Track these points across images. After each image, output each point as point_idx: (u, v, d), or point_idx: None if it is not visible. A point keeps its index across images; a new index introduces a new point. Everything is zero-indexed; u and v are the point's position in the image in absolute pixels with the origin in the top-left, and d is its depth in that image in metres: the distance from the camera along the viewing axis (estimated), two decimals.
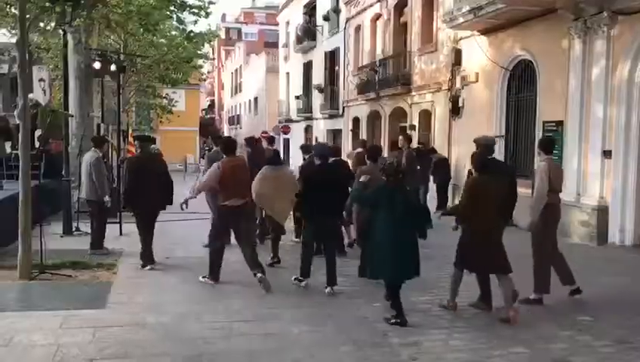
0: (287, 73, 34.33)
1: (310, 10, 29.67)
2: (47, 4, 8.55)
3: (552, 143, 7.31)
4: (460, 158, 14.88)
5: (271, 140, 11.73)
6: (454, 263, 6.30)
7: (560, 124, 11.28)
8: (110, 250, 8.94)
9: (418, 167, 12.52)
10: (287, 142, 33.64)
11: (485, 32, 13.64)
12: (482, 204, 5.91)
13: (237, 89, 53.41)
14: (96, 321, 5.56)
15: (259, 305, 6.27)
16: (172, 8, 13.64)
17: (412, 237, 5.87)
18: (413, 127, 17.84)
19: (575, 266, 8.54)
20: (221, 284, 7.17)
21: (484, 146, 6.74)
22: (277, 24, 40.39)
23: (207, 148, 15.53)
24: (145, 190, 7.88)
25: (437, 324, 5.77)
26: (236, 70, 53.81)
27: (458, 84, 15.00)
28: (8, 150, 12.61)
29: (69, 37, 11.86)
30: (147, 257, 8.00)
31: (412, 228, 5.89)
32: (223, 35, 61.94)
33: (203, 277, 7.29)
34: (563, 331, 5.60)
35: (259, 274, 6.89)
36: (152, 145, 11.37)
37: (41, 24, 11.38)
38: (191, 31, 18.10)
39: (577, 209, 10.57)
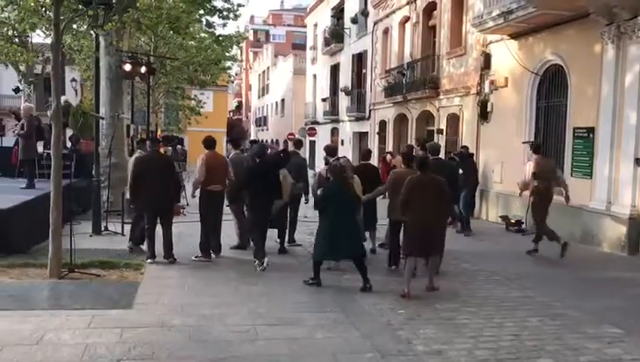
0: (314, 75, 34.40)
1: (338, 12, 29.68)
2: (81, 6, 8.72)
3: (539, 146, 10.65)
4: (488, 163, 14.72)
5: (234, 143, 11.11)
6: (404, 254, 7.46)
7: (591, 130, 11.07)
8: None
9: (460, 171, 11.66)
10: (313, 144, 33.71)
11: (515, 35, 13.47)
12: (417, 197, 6.98)
13: (264, 90, 53.73)
14: (123, 322, 5.63)
15: (283, 309, 6.29)
16: (201, 12, 13.73)
17: (351, 223, 7.22)
18: (440, 131, 17.71)
19: (604, 276, 8.44)
20: (246, 286, 7.21)
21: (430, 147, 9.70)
22: (305, 26, 40.50)
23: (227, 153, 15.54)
24: (146, 188, 8.37)
25: (462, 333, 5.70)
26: (264, 72, 54.16)
27: (487, 89, 14.82)
28: (40, 149, 12.85)
29: (101, 39, 12.04)
30: (150, 250, 8.50)
31: (353, 216, 7.30)
32: (251, 37, 62.47)
33: (196, 256, 8.67)
34: (591, 343, 5.48)
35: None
36: (179, 146, 11.56)
37: (74, 26, 11.57)
38: (220, 35, 18.21)
39: (608, 217, 10.37)
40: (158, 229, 8.55)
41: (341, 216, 7.17)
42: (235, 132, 59.33)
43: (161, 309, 6.11)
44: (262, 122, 53.57)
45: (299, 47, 49.45)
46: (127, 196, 9.37)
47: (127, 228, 10.34)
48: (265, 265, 8.08)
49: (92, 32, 11.32)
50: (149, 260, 8.31)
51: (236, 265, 8.54)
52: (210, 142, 9.20)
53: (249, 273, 7.96)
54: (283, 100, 45.05)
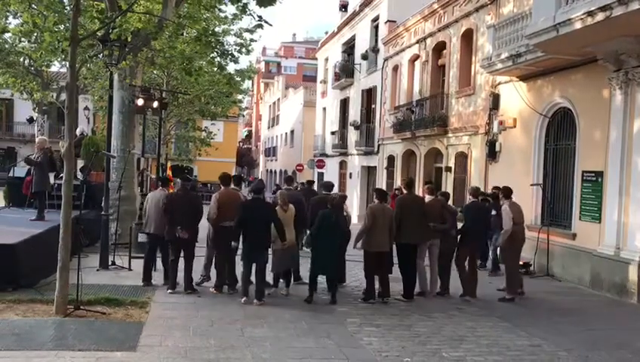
0: (324, 108, 34.69)
1: (349, 48, 30.06)
2: (97, 44, 8.92)
3: (510, 190, 10.20)
4: None
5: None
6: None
7: (600, 174, 11.06)
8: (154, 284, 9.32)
9: (493, 212, 11.21)
10: (321, 175, 33.81)
11: (524, 77, 13.58)
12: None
13: (274, 121, 54.19)
14: None
15: (287, 355, 6.23)
16: (214, 55, 13.94)
17: (340, 247, 8.86)
18: (449, 169, 17.75)
19: (614, 325, 8.32)
20: (250, 329, 7.17)
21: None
22: (316, 58, 40.99)
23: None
24: (176, 222, 8.92)
25: None
26: (274, 103, 54.71)
27: (495, 129, 14.89)
28: (52, 180, 12.96)
29: (115, 74, 12.21)
30: (171, 282, 9.01)
31: (341, 240, 8.84)
32: (262, 68, 63.26)
33: (214, 286, 9.14)
34: None
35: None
36: (190, 178, 11.77)
37: (89, 65, 11.77)
38: (232, 77, 18.49)
39: (617, 263, 10.27)
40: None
41: (332, 239, 8.72)
42: (245, 161, 59.67)
43: (164, 352, 6.08)
44: (271, 152, 53.88)
45: (309, 78, 49.98)
46: (152, 230, 9.52)
47: (134, 262, 10.40)
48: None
49: (107, 69, 11.49)
50: (169, 291, 8.85)
51: (242, 303, 8.49)
52: (224, 179, 9.49)
53: (254, 313, 7.93)
54: (292, 131, 45.36)
